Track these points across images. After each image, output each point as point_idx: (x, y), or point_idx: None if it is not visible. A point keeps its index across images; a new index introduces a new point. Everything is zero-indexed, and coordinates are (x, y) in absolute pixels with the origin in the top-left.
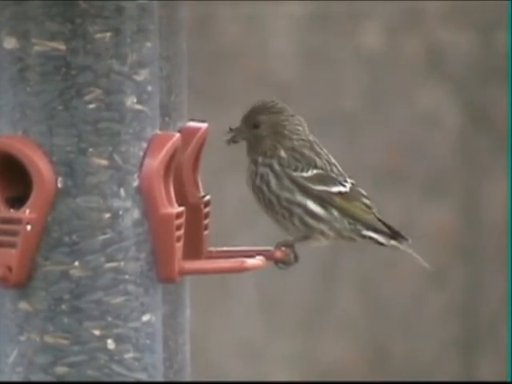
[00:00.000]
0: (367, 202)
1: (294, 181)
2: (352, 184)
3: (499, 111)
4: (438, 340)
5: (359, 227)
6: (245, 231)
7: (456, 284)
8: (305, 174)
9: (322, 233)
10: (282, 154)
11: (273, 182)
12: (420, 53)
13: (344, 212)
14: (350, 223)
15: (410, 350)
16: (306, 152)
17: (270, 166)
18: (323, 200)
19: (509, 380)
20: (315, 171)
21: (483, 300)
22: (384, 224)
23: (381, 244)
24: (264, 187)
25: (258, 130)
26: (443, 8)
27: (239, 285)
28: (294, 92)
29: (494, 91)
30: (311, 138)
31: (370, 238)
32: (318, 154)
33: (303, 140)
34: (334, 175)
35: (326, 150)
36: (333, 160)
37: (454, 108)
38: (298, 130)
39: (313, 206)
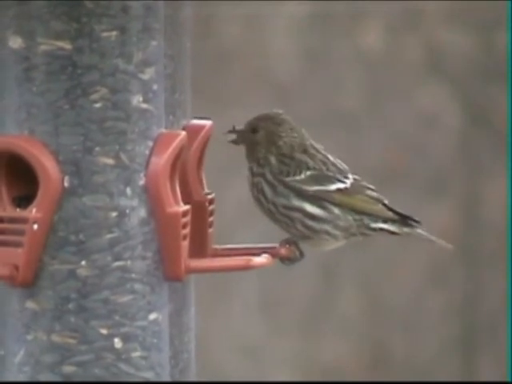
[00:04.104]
0: (373, 194)
1: (287, 186)
2: (355, 179)
3: (499, 111)
4: (437, 340)
5: (367, 221)
6: (247, 229)
7: (456, 284)
8: (297, 178)
9: (328, 233)
10: (273, 161)
11: (267, 191)
12: (420, 53)
13: (346, 208)
14: (355, 219)
15: (410, 349)
16: (297, 156)
17: (263, 176)
18: (321, 200)
19: (509, 380)
20: (308, 173)
21: (483, 300)
22: (394, 212)
23: (394, 233)
24: (261, 197)
25: (254, 136)
26: (443, 8)
27: (240, 285)
28: (294, 92)
29: (494, 91)
30: (308, 142)
31: (381, 229)
32: (311, 156)
33: (295, 145)
34: (330, 174)
35: (323, 151)
36: (331, 159)
37: (454, 108)
38: (294, 141)
39: (310, 208)
